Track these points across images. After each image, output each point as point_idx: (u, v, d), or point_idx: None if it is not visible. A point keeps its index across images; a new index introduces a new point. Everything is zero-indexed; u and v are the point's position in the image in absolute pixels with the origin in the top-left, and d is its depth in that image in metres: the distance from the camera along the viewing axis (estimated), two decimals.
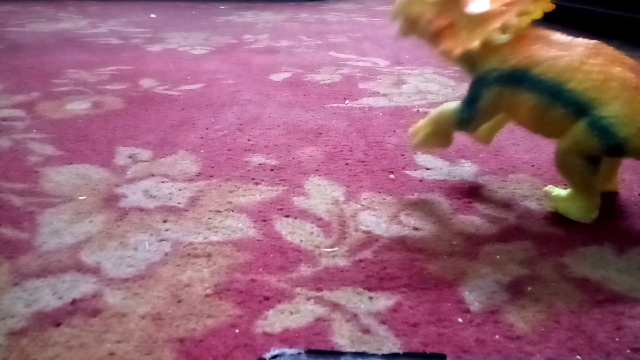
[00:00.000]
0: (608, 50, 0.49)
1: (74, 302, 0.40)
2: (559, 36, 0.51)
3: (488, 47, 0.50)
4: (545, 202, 0.57)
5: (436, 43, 0.53)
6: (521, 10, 0.49)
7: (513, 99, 0.51)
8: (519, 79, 0.50)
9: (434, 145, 0.57)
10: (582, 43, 0.50)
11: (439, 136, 0.56)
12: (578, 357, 0.36)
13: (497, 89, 0.51)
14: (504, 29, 0.49)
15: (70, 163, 0.65)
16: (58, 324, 0.38)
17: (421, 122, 0.57)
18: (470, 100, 0.52)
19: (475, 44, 0.49)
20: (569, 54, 0.48)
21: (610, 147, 0.47)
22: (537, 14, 0.50)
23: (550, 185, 0.57)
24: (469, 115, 0.53)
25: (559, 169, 0.53)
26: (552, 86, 0.48)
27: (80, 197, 0.56)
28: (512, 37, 0.50)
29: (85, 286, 0.42)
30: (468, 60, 0.52)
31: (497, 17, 0.49)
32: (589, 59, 0.48)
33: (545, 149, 0.62)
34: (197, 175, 0.62)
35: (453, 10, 0.51)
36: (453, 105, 0.54)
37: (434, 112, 0.56)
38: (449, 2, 0.52)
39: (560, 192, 0.54)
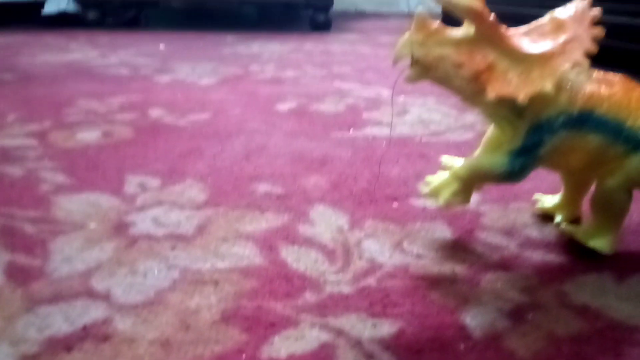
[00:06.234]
0: (631, 81, 0.49)
1: (85, 327, 0.42)
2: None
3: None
4: (546, 231, 0.58)
5: (475, 88, 0.45)
6: (586, 49, 0.43)
7: (573, 143, 0.47)
8: (583, 121, 0.46)
9: (459, 204, 0.51)
10: (612, 76, 0.48)
11: (467, 193, 0.51)
12: None
13: (564, 133, 0.46)
14: (574, 68, 0.44)
15: (81, 191, 0.66)
16: (69, 349, 0.39)
17: (442, 180, 0.51)
18: (526, 149, 0.47)
19: (548, 87, 0.43)
20: (615, 89, 0.47)
21: None
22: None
23: (565, 225, 0.56)
24: (522, 166, 0.48)
25: (600, 207, 0.51)
26: (615, 126, 0.46)
27: (91, 225, 0.58)
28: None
29: (95, 312, 0.43)
30: (515, 106, 0.45)
31: (560, 57, 0.43)
32: (630, 92, 0.47)
33: (546, 178, 0.63)
34: (205, 204, 0.63)
35: (487, 50, 0.44)
36: (490, 158, 0.49)
37: (459, 168, 0.50)
38: (480, 41, 0.44)
39: (582, 226, 0.54)
